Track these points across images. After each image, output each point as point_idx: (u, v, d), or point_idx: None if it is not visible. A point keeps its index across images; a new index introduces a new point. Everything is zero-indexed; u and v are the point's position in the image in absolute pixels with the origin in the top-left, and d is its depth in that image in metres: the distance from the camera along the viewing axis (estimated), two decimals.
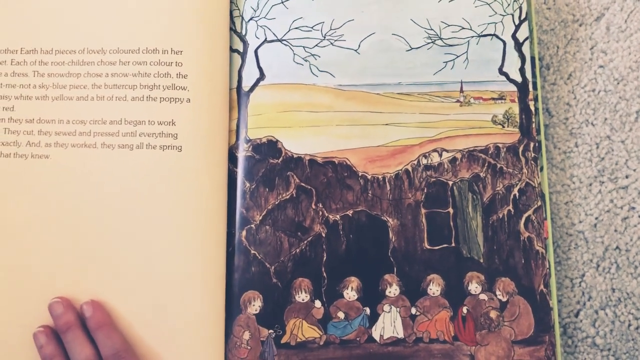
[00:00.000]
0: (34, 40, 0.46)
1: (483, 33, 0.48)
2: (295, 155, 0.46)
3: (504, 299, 0.45)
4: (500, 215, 0.46)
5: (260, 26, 0.48)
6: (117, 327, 0.43)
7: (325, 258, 0.45)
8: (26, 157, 0.45)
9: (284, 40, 0.48)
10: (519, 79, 0.47)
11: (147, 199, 0.44)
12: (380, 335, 0.45)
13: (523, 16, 0.48)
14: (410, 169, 0.46)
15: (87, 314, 0.43)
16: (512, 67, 0.47)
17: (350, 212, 0.46)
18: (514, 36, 0.48)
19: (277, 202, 0.46)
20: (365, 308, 0.45)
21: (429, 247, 0.46)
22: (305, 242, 0.45)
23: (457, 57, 0.47)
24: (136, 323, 0.43)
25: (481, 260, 0.45)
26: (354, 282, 0.45)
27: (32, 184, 0.45)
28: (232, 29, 0.48)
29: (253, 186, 0.46)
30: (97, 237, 0.44)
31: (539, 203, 0.46)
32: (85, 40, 0.46)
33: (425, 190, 0.46)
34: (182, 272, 0.44)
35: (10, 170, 0.45)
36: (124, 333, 0.43)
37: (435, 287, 0.45)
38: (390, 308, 0.45)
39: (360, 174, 0.46)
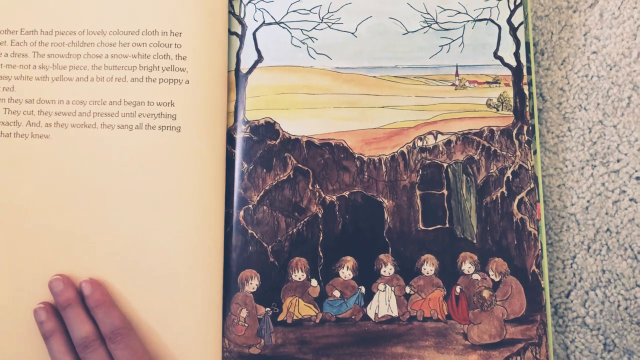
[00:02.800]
0: (34, 21, 0.46)
1: (478, 17, 0.48)
2: (292, 137, 0.47)
3: (497, 279, 0.46)
4: (494, 197, 0.47)
5: (259, 9, 0.48)
6: (116, 304, 0.44)
7: (321, 238, 0.46)
8: (26, 136, 0.46)
9: (282, 23, 0.48)
10: (513, 63, 0.48)
11: (146, 179, 0.45)
12: (375, 313, 0.46)
13: (518, 1, 0.49)
14: (405, 151, 0.47)
15: (87, 292, 0.43)
16: (507, 51, 0.48)
17: (346, 193, 0.47)
18: (509, 21, 0.49)
19: (274, 183, 0.47)
20: (360, 287, 0.46)
21: (423, 227, 0.46)
22: (302, 222, 0.46)
23: (453, 41, 0.48)
24: (135, 301, 0.44)
25: (474, 241, 0.46)
26: (349, 261, 0.46)
27: (32, 163, 0.45)
28: (231, 12, 0.49)
29: (251, 167, 0.47)
30: (97, 217, 0.45)
31: (532, 185, 0.47)
32: (85, 22, 0.46)
33: (420, 172, 0.47)
34: (180, 251, 0.44)
35: (10, 150, 0.45)
36: (123, 311, 0.44)
37: (429, 267, 0.46)
38: (385, 287, 0.46)
39: (356, 155, 0.47)
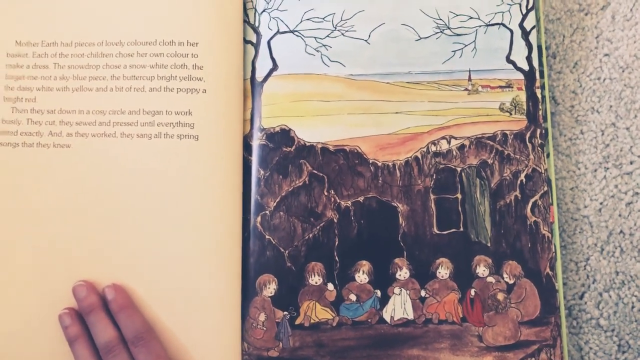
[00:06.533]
0: (54, 33, 0.48)
1: (491, 22, 0.49)
2: (307, 144, 0.48)
3: (511, 282, 0.47)
4: (508, 201, 0.47)
5: (273, 18, 0.49)
6: (138, 309, 0.45)
7: (337, 243, 0.47)
8: (48, 146, 0.47)
9: (296, 31, 0.49)
10: (525, 67, 0.49)
11: (166, 186, 0.46)
12: (391, 316, 0.46)
13: (530, 5, 0.49)
14: (419, 156, 0.48)
15: (110, 296, 0.45)
16: (519, 55, 0.49)
17: (361, 199, 0.47)
18: (521, 25, 0.49)
19: (290, 189, 0.48)
20: (376, 290, 0.47)
21: (437, 231, 0.47)
22: (317, 227, 0.47)
23: (465, 46, 0.49)
24: (157, 305, 0.45)
25: (489, 244, 0.47)
26: (365, 265, 0.47)
27: (54, 172, 0.46)
28: (246, 21, 0.49)
29: (267, 174, 0.48)
30: (118, 224, 0.46)
31: (545, 188, 0.47)
32: (104, 33, 0.47)
33: (434, 177, 0.48)
34: (200, 257, 0.45)
35: (33, 160, 0.47)
36: (145, 315, 0.45)
37: (444, 270, 0.47)
38: (401, 290, 0.47)
39: (370, 161, 0.48)
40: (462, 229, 0.47)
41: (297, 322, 0.46)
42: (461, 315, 0.46)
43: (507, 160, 0.48)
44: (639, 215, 0.49)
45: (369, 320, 0.46)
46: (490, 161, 0.48)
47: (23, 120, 0.47)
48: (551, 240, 0.47)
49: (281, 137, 0.48)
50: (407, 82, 0.48)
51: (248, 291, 0.46)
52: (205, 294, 0.45)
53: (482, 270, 0.47)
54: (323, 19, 0.49)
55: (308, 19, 0.49)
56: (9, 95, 0.47)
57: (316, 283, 0.46)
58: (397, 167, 0.48)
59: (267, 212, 0.47)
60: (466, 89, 0.48)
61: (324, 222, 0.47)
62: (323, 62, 0.48)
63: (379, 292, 0.46)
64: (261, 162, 0.48)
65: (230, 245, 0.46)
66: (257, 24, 0.49)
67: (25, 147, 0.47)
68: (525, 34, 0.49)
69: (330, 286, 0.46)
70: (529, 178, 0.48)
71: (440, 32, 0.49)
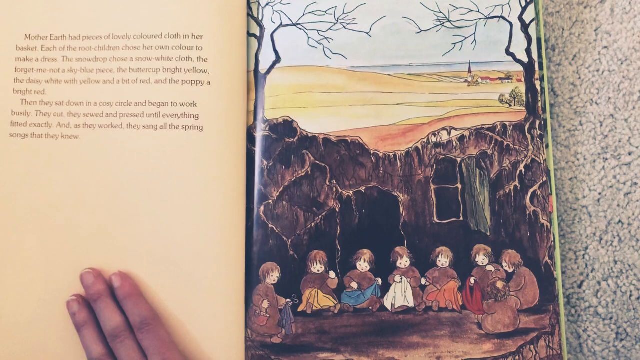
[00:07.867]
0: (63, 27, 0.49)
1: (490, 15, 0.50)
2: (310, 135, 0.49)
3: (510, 270, 0.47)
4: (507, 191, 0.48)
5: (276, 11, 0.50)
6: (144, 296, 0.46)
7: (339, 232, 0.48)
8: (57, 137, 0.48)
9: (299, 24, 0.50)
10: (525, 59, 0.49)
11: (171, 176, 0.47)
12: (392, 304, 0.47)
13: None
14: (420, 147, 0.49)
15: (116, 284, 0.46)
16: (519, 48, 0.49)
17: (362, 188, 0.48)
18: (520, 18, 0.50)
19: (293, 179, 0.48)
20: (377, 279, 0.47)
21: (438, 221, 0.48)
22: (320, 216, 0.48)
23: (465, 38, 0.49)
24: (162, 293, 0.46)
25: (488, 234, 0.48)
26: (366, 254, 0.48)
27: (62, 162, 0.47)
28: (249, 14, 0.50)
29: (270, 164, 0.49)
30: (124, 213, 0.47)
31: (545, 179, 0.48)
32: (111, 27, 0.48)
33: (434, 167, 0.48)
34: (204, 245, 0.46)
35: (42, 150, 0.48)
36: (150, 303, 0.46)
37: (444, 259, 0.47)
38: (401, 279, 0.47)
39: (372, 151, 0.49)
40: (462, 219, 0.48)
41: (300, 309, 0.47)
42: (461, 303, 0.47)
43: (506, 151, 0.49)
44: (637, 205, 0.49)
45: (370, 308, 0.47)
46: (489, 152, 0.49)
47: (32, 112, 0.48)
48: (550, 229, 0.48)
49: (284, 128, 0.49)
50: (408, 74, 0.49)
51: (252, 279, 0.47)
52: (209, 282, 0.46)
53: (481, 259, 0.47)
54: (325, 12, 0.50)
55: (310, 12, 0.50)
56: (18, 87, 0.48)
57: (318, 271, 0.47)
58: (398, 157, 0.48)
59: (271, 201, 0.48)
60: (466, 81, 0.49)
61: (326, 212, 0.48)
62: (325, 54, 0.49)
63: (380, 280, 0.47)
64: (264, 153, 0.49)
65: (234, 234, 0.47)
66: (260, 17, 0.50)
67: (34, 138, 0.48)
68: (525, 27, 0.50)
69: (332, 274, 0.47)
70: (528, 168, 0.48)
71: (441, 25, 0.49)
